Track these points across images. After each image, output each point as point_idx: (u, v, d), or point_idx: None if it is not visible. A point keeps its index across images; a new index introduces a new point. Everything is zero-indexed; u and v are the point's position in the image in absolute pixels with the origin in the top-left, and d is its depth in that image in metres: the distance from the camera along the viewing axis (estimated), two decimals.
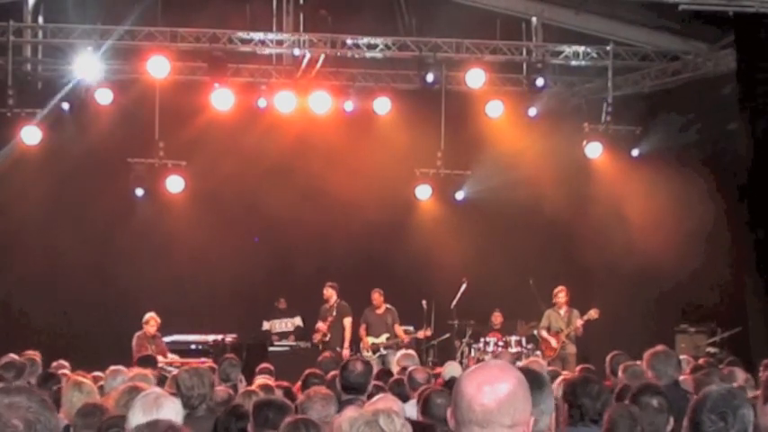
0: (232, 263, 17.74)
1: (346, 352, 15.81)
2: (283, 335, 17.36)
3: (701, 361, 10.45)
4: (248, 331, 17.00)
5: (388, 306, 16.62)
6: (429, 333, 16.77)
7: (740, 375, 8.97)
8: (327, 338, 16.45)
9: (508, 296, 17.25)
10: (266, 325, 17.53)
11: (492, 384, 2.97)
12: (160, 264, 17.80)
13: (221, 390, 8.11)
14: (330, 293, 16.59)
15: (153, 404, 5.34)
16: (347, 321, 16.48)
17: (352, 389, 7.22)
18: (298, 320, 17.53)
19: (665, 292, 17.06)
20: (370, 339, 16.52)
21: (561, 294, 16.44)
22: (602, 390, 5.92)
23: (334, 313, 16.49)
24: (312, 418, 5.70)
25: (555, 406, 4.48)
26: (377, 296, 16.58)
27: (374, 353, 16.34)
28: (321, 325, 16.60)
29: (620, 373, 8.60)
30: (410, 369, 9.68)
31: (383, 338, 16.49)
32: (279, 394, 8.40)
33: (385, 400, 5.94)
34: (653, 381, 7.19)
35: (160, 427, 3.27)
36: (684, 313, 17.13)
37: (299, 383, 9.03)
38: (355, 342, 16.64)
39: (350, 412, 4.77)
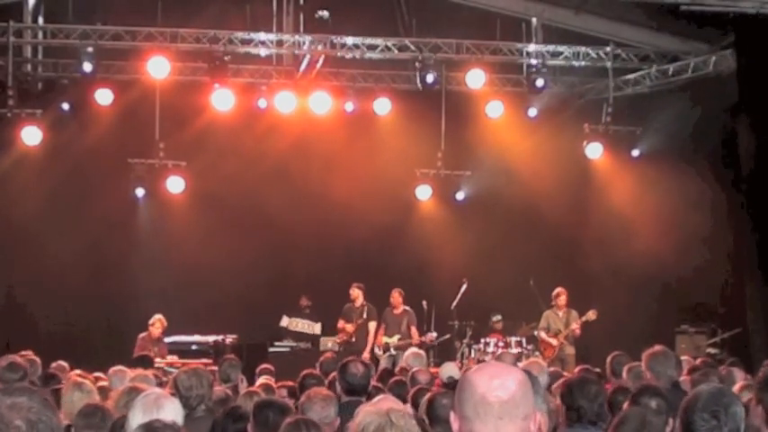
0: (232, 263, 17.73)
1: (367, 355, 15.51)
2: (300, 336, 17.06)
3: (698, 362, 10.40)
4: (249, 331, 16.89)
5: (406, 308, 16.45)
6: (433, 337, 16.67)
7: (739, 376, 8.93)
8: (353, 340, 16.31)
9: (508, 297, 17.23)
10: (285, 321, 17.27)
11: (502, 378, 3.05)
12: (160, 264, 17.82)
13: (218, 389, 8.11)
14: (357, 294, 16.37)
15: (153, 404, 5.34)
16: (372, 325, 16.31)
17: (353, 391, 7.24)
18: (318, 328, 17.24)
19: (666, 293, 17.07)
20: (384, 338, 16.44)
21: (560, 297, 16.46)
22: (599, 391, 5.91)
23: (365, 316, 16.29)
24: (312, 418, 5.70)
25: (549, 407, 4.47)
26: (396, 296, 16.37)
27: (384, 352, 16.30)
28: (348, 326, 16.36)
29: (624, 375, 8.58)
30: (413, 370, 9.67)
31: (395, 339, 16.40)
32: (283, 394, 8.41)
33: (386, 401, 5.92)
34: (652, 381, 7.18)
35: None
36: (685, 313, 17.12)
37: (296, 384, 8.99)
38: None
39: (366, 407, 4.79)
